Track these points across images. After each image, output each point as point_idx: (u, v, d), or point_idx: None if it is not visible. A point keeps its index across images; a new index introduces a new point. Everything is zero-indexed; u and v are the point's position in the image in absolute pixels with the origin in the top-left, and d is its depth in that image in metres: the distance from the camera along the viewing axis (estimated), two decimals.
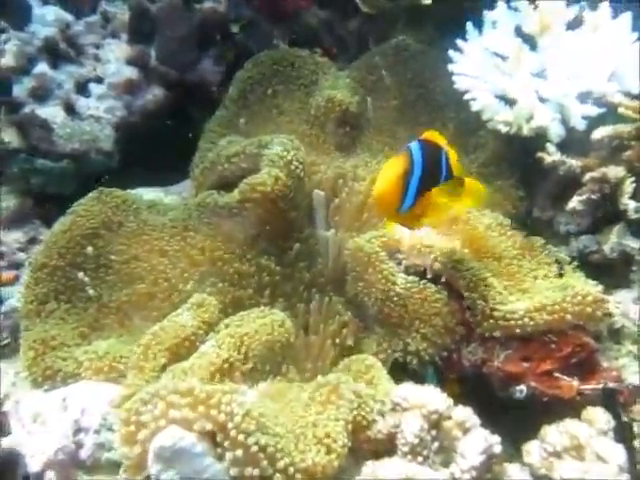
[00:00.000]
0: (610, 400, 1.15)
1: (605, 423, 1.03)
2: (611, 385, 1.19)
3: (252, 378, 1.22)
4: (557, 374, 1.22)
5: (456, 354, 1.35)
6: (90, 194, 1.57)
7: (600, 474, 0.90)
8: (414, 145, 1.12)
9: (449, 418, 0.93)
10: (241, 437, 0.87)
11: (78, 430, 1.15)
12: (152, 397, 0.89)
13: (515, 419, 1.21)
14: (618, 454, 0.94)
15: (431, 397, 0.94)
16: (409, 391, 0.97)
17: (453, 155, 1.22)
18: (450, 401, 0.96)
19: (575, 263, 1.41)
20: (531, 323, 1.23)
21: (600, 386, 1.19)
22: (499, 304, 1.27)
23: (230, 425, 0.87)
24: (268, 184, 1.48)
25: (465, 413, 0.95)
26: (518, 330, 1.24)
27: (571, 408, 1.16)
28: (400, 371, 1.32)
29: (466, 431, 0.93)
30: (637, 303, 1.30)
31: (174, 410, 0.86)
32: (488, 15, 1.62)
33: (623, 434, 1.03)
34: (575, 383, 1.20)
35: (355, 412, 0.99)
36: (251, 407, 0.91)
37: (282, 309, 1.45)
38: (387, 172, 1.08)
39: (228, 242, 1.54)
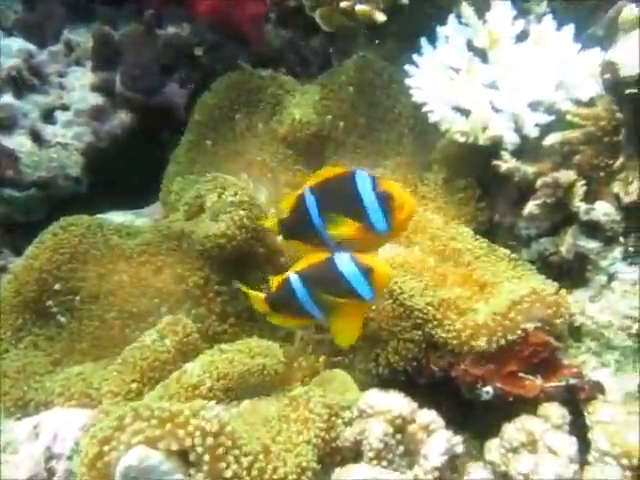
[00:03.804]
0: (572, 396, 1.19)
1: (560, 418, 1.06)
2: (572, 382, 1.23)
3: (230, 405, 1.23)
4: (521, 374, 1.26)
5: (425, 359, 1.38)
6: (55, 223, 1.56)
7: (551, 465, 0.94)
8: None
9: (414, 422, 0.96)
10: (214, 456, 0.88)
11: (50, 457, 1.15)
12: (118, 422, 0.90)
13: (483, 419, 1.24)
14: (569, 446, 0.98)
15: (395, 402, 0.97)
16: (374, 397, 0.99)
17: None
18: (414, 405, 0.99)
19: (535, 265, 1.46)
20: (491, 335, 1.25)
21: (562, 383, 1.23)
22: (453, 327, 1.29)
23: (201, 443, 0.89)
24: (219, 235, 1.48)
25: (429, 416, 0.98)
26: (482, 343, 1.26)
27: (535, 406, 1.20)
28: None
29: (431, 433, 0.96)
30: (594, 301, 1.35)
31: (140, 432, 0.87)
32: (441, 30, 1.68)
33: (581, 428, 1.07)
34: (538, 382, 1.24)
35: (326, 425, 1.00)
36: (223, 424, 0.92)
37: (260, 335, 1.45)
38: None
39: (199, 269, 1.54)
